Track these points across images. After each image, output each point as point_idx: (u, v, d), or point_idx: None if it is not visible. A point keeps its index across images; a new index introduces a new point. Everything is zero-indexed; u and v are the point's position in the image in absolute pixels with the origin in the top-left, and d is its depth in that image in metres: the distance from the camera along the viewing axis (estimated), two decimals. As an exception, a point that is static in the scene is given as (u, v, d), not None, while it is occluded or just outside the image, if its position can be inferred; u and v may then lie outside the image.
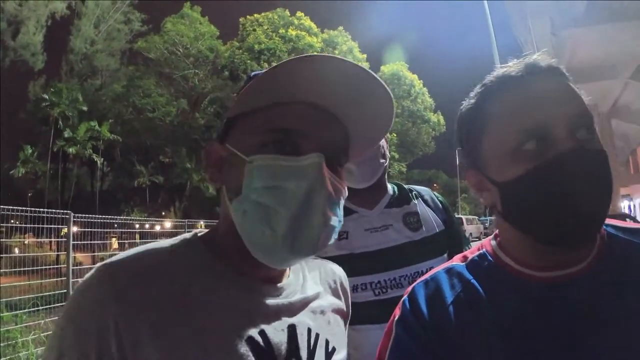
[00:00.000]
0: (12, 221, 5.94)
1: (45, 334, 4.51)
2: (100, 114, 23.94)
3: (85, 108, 23.20)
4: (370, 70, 0.58)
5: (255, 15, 25.03)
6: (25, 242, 6.42)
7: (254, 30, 24.02)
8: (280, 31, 23.70)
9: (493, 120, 0.61)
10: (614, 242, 0.62)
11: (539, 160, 0.56)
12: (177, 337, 0.52)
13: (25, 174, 22.77)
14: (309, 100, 0.59)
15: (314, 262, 0.75)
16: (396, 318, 0.67)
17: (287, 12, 24.98)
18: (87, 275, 0.55)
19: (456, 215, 1.43)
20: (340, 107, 0.60)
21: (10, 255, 5.47)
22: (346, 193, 0.62)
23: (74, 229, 5.43)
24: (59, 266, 5.61)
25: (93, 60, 26.50)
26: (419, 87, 29.47)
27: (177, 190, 24.70)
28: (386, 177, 1.35)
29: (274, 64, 0.55)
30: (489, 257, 0.67)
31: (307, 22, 25.08)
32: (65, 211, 5.35)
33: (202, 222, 10.51)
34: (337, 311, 0.72)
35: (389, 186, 1.34)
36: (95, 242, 5.97)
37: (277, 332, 0.58)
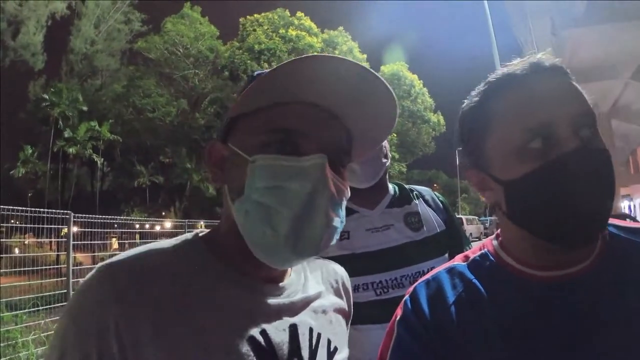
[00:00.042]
0: (12, 221, 5.95)
1: (46, 334, 4.51)
2: (101, 114, 23.95)
3: (85, 108, 23.21)
4: (371, 70, 0.58)
5: (255, 15, 25.04)
6: (26, 242, 6.41)
7: (254, 30, 24.02)
8: (281, 31, 23.70)
9: (497, 119, 0.61)
10: (616, 242, 0.62)
11: (544, 158, 0.56)
12: (178, 337, 0.52)
13: (26, 174, 22.78)
14: (309, 100, 0.58)
15: (315, 262, 0.74)
16: (398, 318, 0.67)
17: (287, 12, 24.98)
18: (88, 275, 0.55)
19: (456, 216, 1.43)
20: (341, 107, 0.60)
21: (11, 255, 5.47)
22: (348, 194, 0.62)
23: (74, 229, 5.44)
24: (59, 266, 5.61)
25: (93, 61, 26.50)
26: (419, 87, 29.48)
27: (177, 190, 24.70)
28: (387, 177, 1.35)
29: (274, 64, 0.56)
30: (491, 257, 0.67)
31: (307, 22, 25.08)
32: (65, 211, 5.35)
33: (202, 222, 10.50)
34: (339, 311, 0.72)
35: (390, 186, 1.34)
36: (96, 242, 5.97)
37: (278, 331, 0.58)
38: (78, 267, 5.98)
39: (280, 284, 0.63)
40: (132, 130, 23.88)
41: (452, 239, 1.29)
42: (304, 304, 0.64)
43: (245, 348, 0.54)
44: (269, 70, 0.57)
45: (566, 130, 0.56)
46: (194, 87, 25.34)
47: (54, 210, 5.43)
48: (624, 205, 22.37)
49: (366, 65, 0.58)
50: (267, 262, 0.58)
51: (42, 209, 5.20)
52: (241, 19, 25.06)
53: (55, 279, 5.45)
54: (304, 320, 0.62)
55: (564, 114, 0.57)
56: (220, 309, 0.56)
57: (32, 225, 5.10)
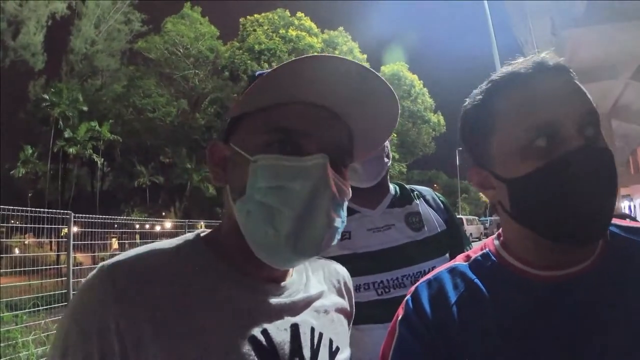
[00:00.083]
0: (13, 221, 5.94)
1: (46, 334, 4.51)
2: (101, 114, 23.92)
3: (85, 108, 23.17)
4: (372, 69, 0.58)
5: (255, 15, 25.01)
6: (26, 242, 6.42)
7: (254, 30, 24.00)
8: (281, 31, 23.69)
9: (502, 117, 0.61)
10: (616, 241, 0.62)
11: (549, 157, 0.56)
12: (178, 337, 0.52)
13: (26, 174, 22.76)
14: (310, 100, 0.59)
15: (317, 261, 0.75)
16: (400, 318, 0.67)
17: (288, 13, 24.96)
18: (90, 275, 0.55)
19: (457, 216, 1.43)
20: (342, 107, 0.60)
21: (11, 255, 5.48)
22: (350, 194, 0.62)
23: (74, 229, 5.44)
24: (59, 266, 5.62)
25: (93, 61, 26.47)
26: (419, 87, 29.48)
27: (178, 190, 24.68)
28: (388, 177, 1.35)
29: (274, 65, 0.56)
30: (492, 257, 0.67)
31: (308, 22, 25.06)
32: (65, 211, 5.36)
33: (202, 223, 10.50)
34: (341, 310, 0.72)
35: (391, 186, 1.34)
36: (96, 242, 5.97)
37: (279, 331, 0.58)
38: (78, 267, 5.99)
39: (282, 284, 0.63)
40: (133, 131, 23.86)
41: (452, 239, 1.29)
42: (306, 303, 0.64)
43: (246, 348, 0.54)
44: (270, 70, 0.57)
45: (571, 128, 0.56)
46: (194, 87, 25.32)
47: (54, 210, 5.44)
48: (624, 206, 22.36)
49: (366, 65, 0.58)
50: (268, 262, 0.58)
51: (42, 209, 5.21)
52: (241, 19, 25.05)
53: (56, 279, 5.45)
54: (305, 319, 0.62)
55: (569, 112, 0.57)
56: (220, 309, 0.56)
57: (32, 225, 5.11)
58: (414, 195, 1.33)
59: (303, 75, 0.56)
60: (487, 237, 0.72)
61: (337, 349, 0.65)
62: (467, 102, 0.67)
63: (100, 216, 6.14)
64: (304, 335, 0.61)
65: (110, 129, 23.16)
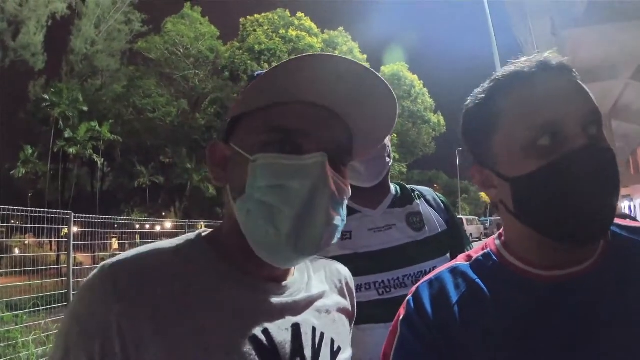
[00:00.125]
0: (13, 221, 5.95)
1: (46, 334, 4.51)
2: (101, 114, 23.91)
3: (85, 108, 23.17)
4: (371, 69, 0.58)
5: (255, 15, 25.00)
6: (26, 242, 6.43)
7: (255, 30, 24.00)
8: (281, 32, 23.69)
9: (504, 116, 0.61)
10: (618, 241, 0.62)
11: (553, 156, 0.56)
12: (178, 336, 0.52)
13: (26, 174, 22.75)
14: (308, 99, 0.59)
15: (319, 261, 0.74)
16: (401, 317, 0.67)
17: (288, 13, 24.96)
18: (91, 275, 0.55)
19: (457, 216, 1.43)
20: (341, 106, 0.60)
21: (11, 255, 5.48)
22: (349, 193, 0.62)
23: (75, 229, 5.44)
24: (60, 266, 5.62)
25: (93, 61, 26.46)
26: (419, 87, 29.47)
27: (178, 190, 24.68)
28: (389, 177, 1.35)
29: (274, 65, 0.55)
30: (494, 257, 0.67)
31: (308, 22, 25.06)
32: (65, 211, 5.36)
33: (202, 223, 10.50)
34: (342, 310, 0.71)
35: (392, 186, 1.34)
36: (96, 242, 5.98)
37: (281, 330, 0.58)
38: (78, 267, 5.99)
39: (283, 283, 0.63)
40: (133, 131, 23.86)
41: (453, 239, 1.29)
42: (307, 303, 0.64)
43: (247, 347, 0.54)
44: (268, 69, 0.57)
45: (575, 127, 0.56)
46: (194, 88, 25.32)
47: (54, 211, 5.44)
48: (624, 206, 22.35)
49: (366, 65, 0.58)
50: (269, 261, 0.58)
51: (42, 209, 5.21)
52: (241, 20, 25.04)
53: (56, 279, 5.46)
54: (307, 319, 0.62)
55: (572, 111, 0.57)
56: (221, 309, 0.56)
57: (32, 225, 5.12)
58: (414, 196, 1.33)
59: (302, 74, 0.56)
60: (487, 237, 0.72)
61: (339, 349, 0.65)
62: (469, 101, 0.67)
63: (101, 216, 6.15)
64: (305, 335, 0.60)
65: (110, 129, 23.16)
